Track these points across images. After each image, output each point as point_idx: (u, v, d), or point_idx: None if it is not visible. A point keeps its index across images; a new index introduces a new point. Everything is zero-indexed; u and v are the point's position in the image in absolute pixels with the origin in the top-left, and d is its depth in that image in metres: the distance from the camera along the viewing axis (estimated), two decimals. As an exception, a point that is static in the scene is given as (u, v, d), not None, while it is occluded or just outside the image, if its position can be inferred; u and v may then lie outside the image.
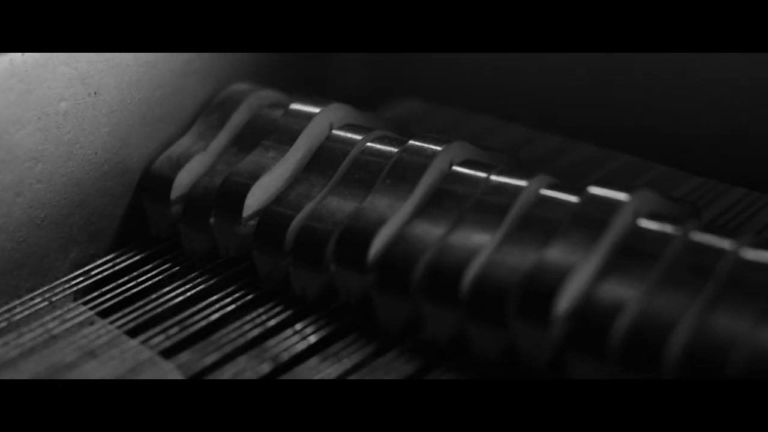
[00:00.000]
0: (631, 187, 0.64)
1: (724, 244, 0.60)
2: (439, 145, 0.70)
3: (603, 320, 0.58)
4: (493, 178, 0.67)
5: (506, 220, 0.65)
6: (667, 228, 0.61)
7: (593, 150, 0.78)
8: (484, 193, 0.67)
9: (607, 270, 0.60)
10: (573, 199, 0.64)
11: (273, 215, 0.71)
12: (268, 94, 0.79)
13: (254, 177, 0.72)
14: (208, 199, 0.73)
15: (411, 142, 0.71)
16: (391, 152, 0.71)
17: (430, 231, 0.66)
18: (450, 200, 0.67)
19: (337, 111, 0.76)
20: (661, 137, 0.82)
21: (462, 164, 0.69)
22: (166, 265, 0.75)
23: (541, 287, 0.60)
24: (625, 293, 0.59)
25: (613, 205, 0.62)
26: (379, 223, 0.67)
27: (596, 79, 0.84)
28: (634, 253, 0.61)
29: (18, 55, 0.71)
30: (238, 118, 0.78)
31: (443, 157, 0.69)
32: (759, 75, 0.77)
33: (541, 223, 0.64)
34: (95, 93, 0.75)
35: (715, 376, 0.55)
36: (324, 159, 0.73)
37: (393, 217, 0.67)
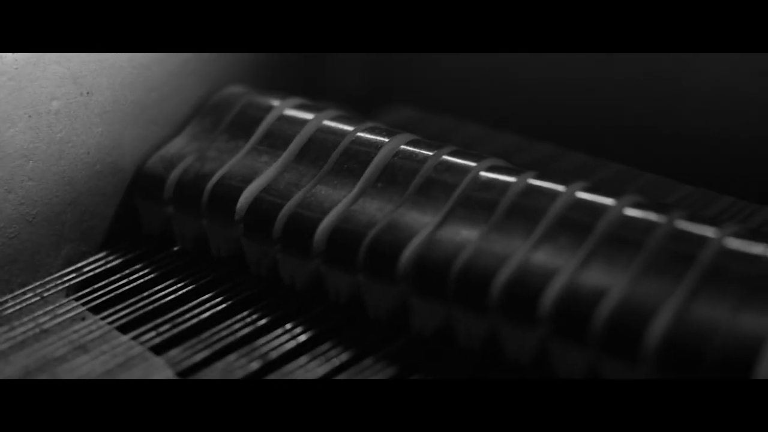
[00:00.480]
0: (620, 193, 0.64)
1: (707, 232, 0.60)
2: (431, 151, 0.70)
3: (585, 306, 0.59)
4: (482, 173, 0.68)
5: (494, 212, 0.65)
6: (651, 216, 0.62)
7: (584, 158, 0.78)
8: (473, 187, 0.67)
9: (590, 257, 0.61)
10: (561, 188, 0.65)
11: (262, 203, 0.71)
12: (262, 97, 0.79)
13: (247, 181, 0.73)
14: (198, 184, 0.74)
15: (402, 147, 0.71)
16: (381, 142, 0.71)
17: (419, 219, 0.66)
18: (438, 189, 0.68)
19: (331, 116, 0.76)
20: (659, 138, 0.82)
21: (451, 154, 0.70)
22: (158, 264, 0.75)
23: (525, 290, 0.61)
24: (608, 280, 0.59)
25: (599, 210, 0.63)
26: (369, 225, 0.67)
27: (594, 82, 0.85)
28: (618, 240, 0.61)
29: (8, 53, 0.71)
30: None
31: (434, 163, 0.70)
32: (756, 76, 0.77)
33: (527, 212, 0.64)
34: (88, 93, 0.75)
35: (695, 363, 0.55)
36: (314, 149, 0.73)
37: (383, 219, 0.67)
